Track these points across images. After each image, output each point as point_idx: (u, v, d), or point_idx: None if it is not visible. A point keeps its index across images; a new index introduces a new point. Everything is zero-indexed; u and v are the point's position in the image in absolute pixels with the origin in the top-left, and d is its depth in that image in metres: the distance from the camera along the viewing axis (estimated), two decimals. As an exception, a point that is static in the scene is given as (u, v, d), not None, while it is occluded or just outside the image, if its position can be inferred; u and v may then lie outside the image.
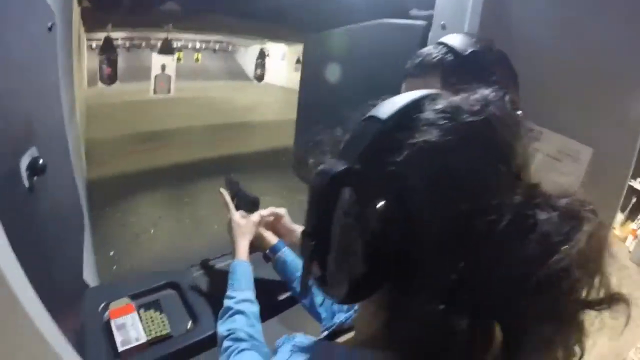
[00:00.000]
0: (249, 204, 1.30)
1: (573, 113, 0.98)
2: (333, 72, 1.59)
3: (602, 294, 0.40)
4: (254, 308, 1.00)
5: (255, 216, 1.23)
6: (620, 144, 0.97)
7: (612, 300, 0.40)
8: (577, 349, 0.42)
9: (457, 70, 0.86)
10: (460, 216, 0.38)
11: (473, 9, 1.03)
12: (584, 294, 0.39)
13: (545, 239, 0.37)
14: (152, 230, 4.27)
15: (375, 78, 1.33)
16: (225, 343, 0.88)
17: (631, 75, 0.94)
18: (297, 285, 1.12)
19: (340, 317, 0.93)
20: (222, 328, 0.93)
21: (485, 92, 0.46)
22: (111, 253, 3.76)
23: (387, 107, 0.46)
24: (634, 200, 7.21)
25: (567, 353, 0.41)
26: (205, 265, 1.46)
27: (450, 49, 0.88)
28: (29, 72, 0.77)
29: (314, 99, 1.72)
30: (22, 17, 0.71)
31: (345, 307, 0.90)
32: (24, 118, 0.71)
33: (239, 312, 0.96)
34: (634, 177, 7.40)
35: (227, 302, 1.00)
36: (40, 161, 0.74)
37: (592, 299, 0.40)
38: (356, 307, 0.82)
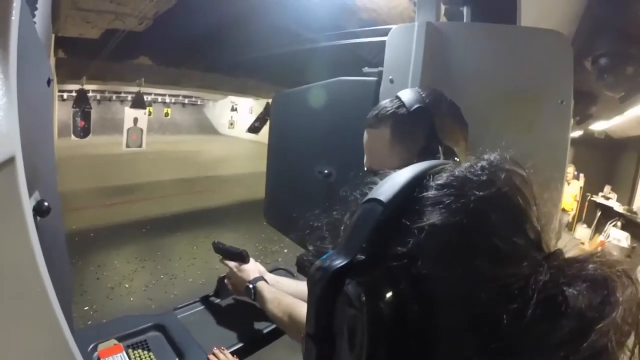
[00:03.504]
0: (238, 259, 1.42)
1: (510, 137, 1.14)
2: (298, 127, 1.73)
3: None
4: None
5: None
6: (550, 162, 1.13)
7: None
8: None
9: (406, 122, 0.96)
10: (480, 304, 0.36)
11: (415, 65, 1.22)
12: None
13: (579, 319, 0.33)
14: (127, 284, 4.19)
15: (336, 130, 1.48)
16: None
17: (552, 100, 1.14)
18: None
19: None
20: None
21: (489, 156, 0.43)
22: (85, 308, 3.67)
23: (388, 188, 0.42)
24: (599, 214, 7.64)
25: None
26: (188, 308, 1.49)
27: (402, 103, 0.98)
28: (35, 120, 0.84)
29: (283, 153, 1.86)
30: (34, 72, 0.80)
31: None
32: (32, 162, 0.77)
33: None
34: (595, 193, 7.86)
35: None
36: (45, 204, 0.80)
37: None
38: None
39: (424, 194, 0.40)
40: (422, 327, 0.36)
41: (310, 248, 0.51)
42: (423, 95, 0.98)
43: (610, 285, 0.34)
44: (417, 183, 0.42)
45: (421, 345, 0.37)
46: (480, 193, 0.38)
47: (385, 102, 1.02)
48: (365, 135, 1.06)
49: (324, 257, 0.42)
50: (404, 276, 0.37)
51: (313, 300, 0.42)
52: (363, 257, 0.39)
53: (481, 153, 0.44)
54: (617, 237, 6.29)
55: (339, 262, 0.40)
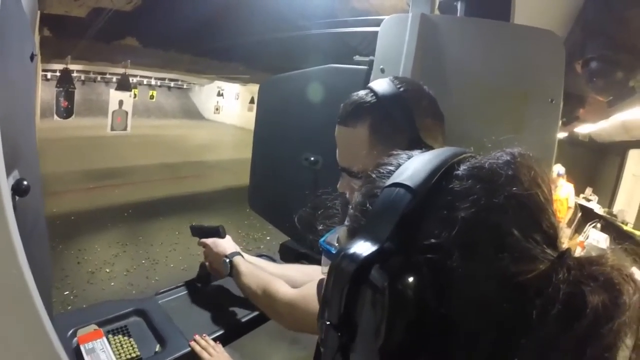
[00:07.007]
0: (215, 236, 1.45)
1: (500, 133, 1.15)
2: (285, 114, 1.71)
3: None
4: None
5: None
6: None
7: None
8: None
9: (386, 122, 0.90)
10: (503, 300, 0.36)
11: (407, 55, 1.21)
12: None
13: (595, 317, 0.34)
14: (108, 269, 4.14)
15: (323, 117, 1.47)
16: None
17: (541, 97, 1.15)
18: None
19: None
20: None
21: (512, 150, 0.43)
22: (66, 293, 3.62)
23: (415, 173, 0.42)
24: (579, 215, 7.82)
25: None
26: (169, 293, 1.48)
27: (375, 94, 0.93)
28: (16, 96, 0.81)
29: (269, 140, 1.84)
30: (16, 46, 0.77)
31: None
32: (11, 138, 0.75)
33: None
34: (577, 194, 8.02)
35: None
36: (25, 183, 0.77)
37: None
38: None
39: (454, 184, 0.41)
40: (443, 318, 0.37)
41: (320, 227, 0.52)
42: (401, 88, 0.92)
43: (620, 288, 0.36)
44: (445, 171, 0.42)
45: (440, 336, 0.37)
46: (511, 190, 0.39)
47: (359, 96, 0.96)
48: (339, 130, 0.99)
49: (348, 246, 0.41)
50: (430, 268, 0.38)
51: (337, 288, 0.41)
52: (390, 245, 0.39)
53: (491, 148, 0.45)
54: (596, 239, 6.43)
55: (367, 251, 0.39)
